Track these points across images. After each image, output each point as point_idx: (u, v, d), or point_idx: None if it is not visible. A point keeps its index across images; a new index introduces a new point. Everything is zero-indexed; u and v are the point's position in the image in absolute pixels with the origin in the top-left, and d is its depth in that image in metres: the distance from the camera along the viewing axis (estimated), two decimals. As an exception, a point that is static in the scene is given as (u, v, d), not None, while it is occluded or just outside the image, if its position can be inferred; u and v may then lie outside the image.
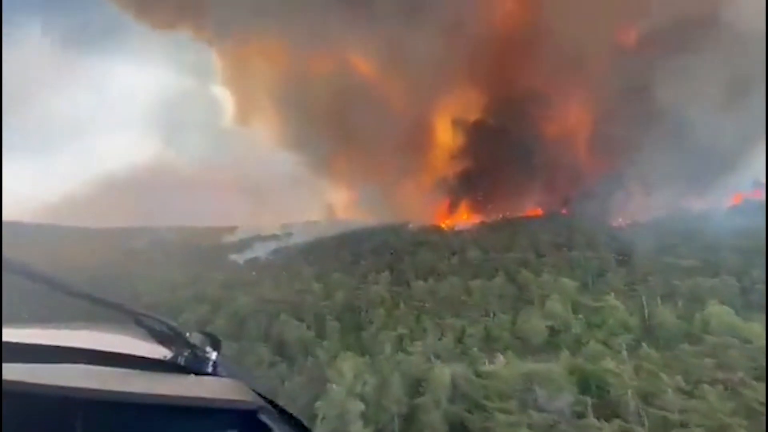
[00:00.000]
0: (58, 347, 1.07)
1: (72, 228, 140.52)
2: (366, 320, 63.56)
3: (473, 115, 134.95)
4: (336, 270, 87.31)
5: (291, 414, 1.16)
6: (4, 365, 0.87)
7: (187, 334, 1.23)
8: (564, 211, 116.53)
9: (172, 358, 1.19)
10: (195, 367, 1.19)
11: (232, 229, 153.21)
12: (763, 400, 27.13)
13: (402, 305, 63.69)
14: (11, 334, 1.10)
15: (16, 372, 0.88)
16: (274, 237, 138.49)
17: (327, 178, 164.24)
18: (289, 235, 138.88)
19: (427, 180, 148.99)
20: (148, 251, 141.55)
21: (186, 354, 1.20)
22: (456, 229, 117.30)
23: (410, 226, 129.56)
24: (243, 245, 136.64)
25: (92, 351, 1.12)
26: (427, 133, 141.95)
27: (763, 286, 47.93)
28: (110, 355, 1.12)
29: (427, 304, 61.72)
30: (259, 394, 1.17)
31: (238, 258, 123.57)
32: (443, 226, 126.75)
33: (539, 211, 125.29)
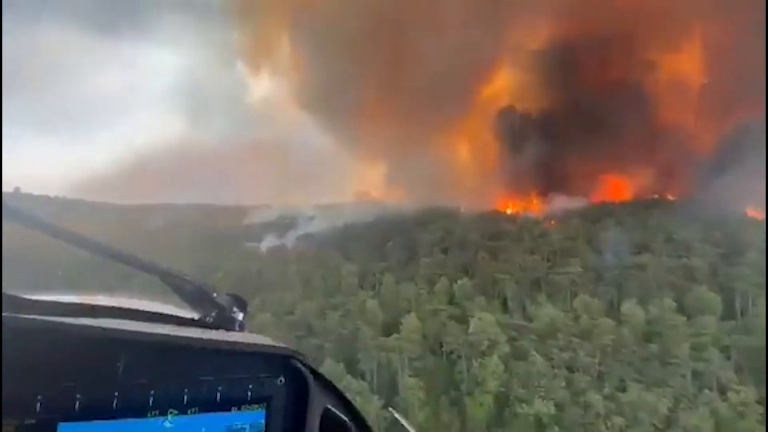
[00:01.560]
0: (90, 305, 1.08)
1: (94, 204, 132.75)
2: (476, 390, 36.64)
3: (546, 67, 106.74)
4: (387, 270, 64.66)
5: (317, 370, 1.20)
6: (42, 318, 0.89)
7: (214, 295, 1.22)
8: (670, 195, 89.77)
9: (201, 317, 1.20)
10: (223, 326, 1.20)
11: (256, 209, 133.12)
12: None
13: (527, 352, 38.08)
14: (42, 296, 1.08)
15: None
16: (302, 219, 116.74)
17: (360, 152, 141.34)
18: (320, 217, 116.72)
19: (483, 153, 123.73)
20: (164, 232, 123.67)
21: (214, 314, 1.21)
22: (528, 216, 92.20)
23: (462, 210, 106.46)
24: (266, 229, 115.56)
25: (124, 309, 1.14)
26: (485, 87, 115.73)
27: None
28: (142, 313, 1.15)
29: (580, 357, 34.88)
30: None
31: (260, 246, 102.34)
32: (508, 212, 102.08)
33: (626, 194, 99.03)
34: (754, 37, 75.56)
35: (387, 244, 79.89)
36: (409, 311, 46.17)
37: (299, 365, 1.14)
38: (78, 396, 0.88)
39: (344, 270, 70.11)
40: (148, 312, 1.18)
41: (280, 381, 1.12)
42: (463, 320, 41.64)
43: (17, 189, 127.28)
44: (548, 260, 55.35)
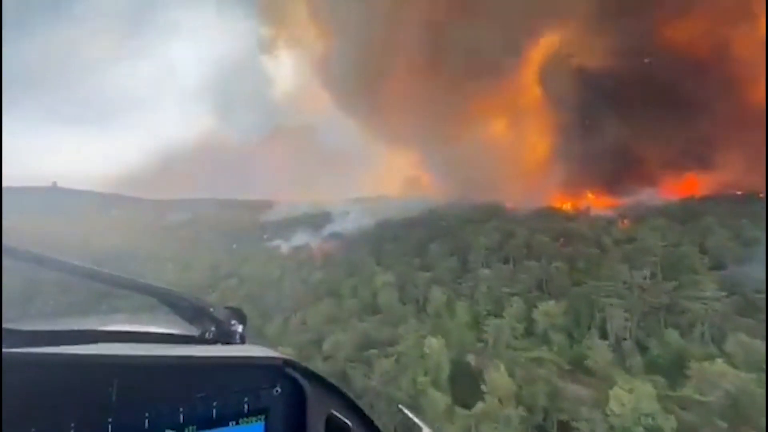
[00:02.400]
0: (85, 331, 1.08)
1: (122, 197, 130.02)
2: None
3: (608, 47, 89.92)
4: (434, 282, 51.40)
5: (316, 373, 1.19)
6: (34, 350, 0.90)
7: (211, 309, 1.23)
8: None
9: (201, 334, 1.21)
10: (223, 340, 1.21)
11: (281, 204, 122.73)
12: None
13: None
14: (37, 326, 1.10)
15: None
16: (331, 215, 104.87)
17: (393, 140, 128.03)
18: (350, 213, 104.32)
19: (533, 138, 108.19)
20: (185, 229, 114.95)
21: (213, 329, 1.22)
22: (592, 214, 76.88)
23: (508, 205, 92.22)
24: (290, 226, 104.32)
25: (120, 332, 1.15)
26: (536, 54, 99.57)
27: None
28: (138, 335, 1.16)
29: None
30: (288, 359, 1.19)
31: (283, 245, 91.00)
32: (564, 209, 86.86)
33: (709, 188, 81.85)
34: None
35: (429, 246, 66.69)
36: (483, 352, 32.62)
37: (295, 373, 1.12)
38: (72, 426, 0.88)
39: (379, 280, 57.32)
40: (146, 333, 1.19)
41: (277, 391, 1.11)
42: (578, 376, 27.67)
43: (54, 183, 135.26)
44: (653, 275, 40.92)
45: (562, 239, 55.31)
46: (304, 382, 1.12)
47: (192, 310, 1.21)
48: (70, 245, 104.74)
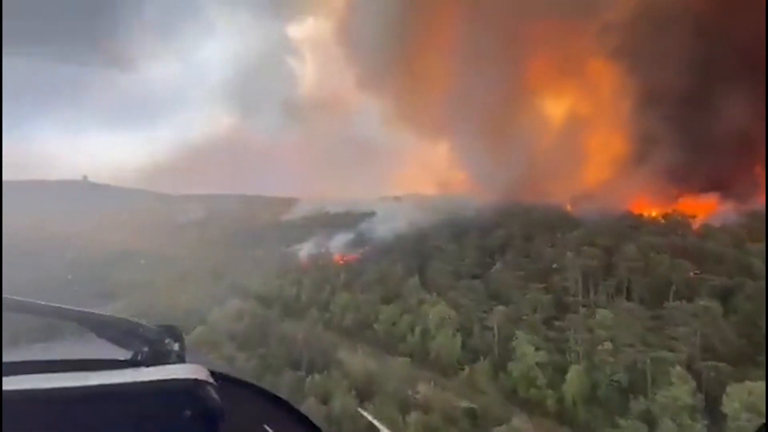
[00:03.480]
0: (27, 362, 1.06)
1: (143, 191, 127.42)
2: None
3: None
4: (515, 320, 35.10)
5: (255, 386, 1.15)
6: None
7: (141, 330, 1.17)
8: None
9: (133, 356, 1.15)
10: (157, 361, 1.15)
11: (303, 201, 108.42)
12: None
13: None
14: None
15: None
16: (357, 215, 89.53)
17: (428, 133, 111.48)
18: (378, 213, 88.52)
19: (597, 123, 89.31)
20: (201, 225, 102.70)
21: (145, 350, 1.16)
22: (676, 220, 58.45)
23: (569, 207, 75.49)
24: (312, 225, 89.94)
25: (41, 362, 1.09)
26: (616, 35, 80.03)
27: None
28: (63, 363, 1.10)
29: None
30: (221, 374, 1.16)
31: (302, 250, 76.03)
32: (659, 216, 68.44)
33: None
34: None
35: (490, 262, 50.37)
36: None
37: (209, 394, 1.06)
38: None
39: (429, 312, 41.29)
40: (69, 360, 1.12)
41: (186, 414, 1.04)
42: None
43: (85, 177, 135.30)
44: None
45: (692, 262, 37.95)
46: (214, 404, 1.05)
47: (120, 333, 1.14)
48: (77, 244, 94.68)
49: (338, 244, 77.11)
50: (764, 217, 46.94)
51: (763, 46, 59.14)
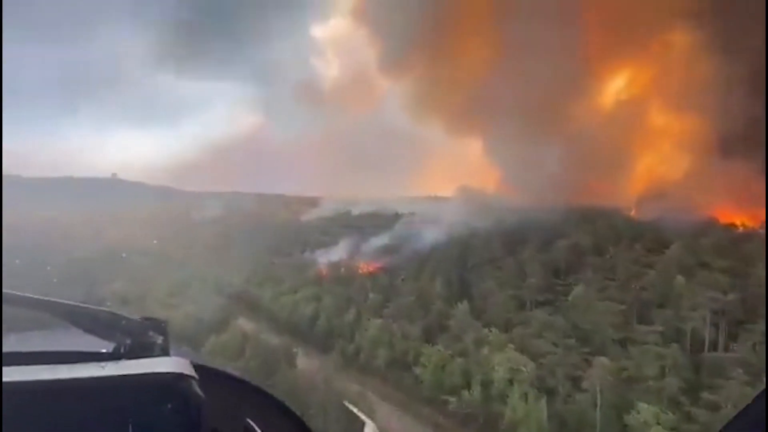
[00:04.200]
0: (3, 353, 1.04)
1: (167, 188, 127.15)
2: None
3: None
4: (641, 388, 23.43)
5: (237, 378, 1.13)
6: None
7: (123, 322, 1.16)
8: None
9: (115, 349, 1.13)
10: (140, 354, 1.13)
11: (324, 200, 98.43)
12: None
13: None
14: None
15: None
16: (384, 218, 78.47)
17: (460, 129, 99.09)
18: (409, 215, 77.12)
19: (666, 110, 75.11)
20: (216, 223, 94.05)
21: (128, 342, 1.14)
22: None
23: (632, 213, 63.63)
24: (333, 226, 79.87)
25: (20, 354, 1.07)
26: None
27: None
28: (42, 355, 1.08)
29: None
30: (204, 367, 1.15)
31: (322, 256, 65.40)
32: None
33: None
34: None
35: (558, 283, 38.50)
36: None
37: (190, 387, 1.05)
38: None
39: (484, 345, 29.86)
40: (52, 352, 1.09)
41: (168, 408, 1.03)
42: None
43: (114, 175, 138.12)
44: None
45: None
46: (196, 397, 1.04)
47: (102, 325, 1.13)
48: (84, 237, 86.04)
49: (364, 250, 66.30)
50: None
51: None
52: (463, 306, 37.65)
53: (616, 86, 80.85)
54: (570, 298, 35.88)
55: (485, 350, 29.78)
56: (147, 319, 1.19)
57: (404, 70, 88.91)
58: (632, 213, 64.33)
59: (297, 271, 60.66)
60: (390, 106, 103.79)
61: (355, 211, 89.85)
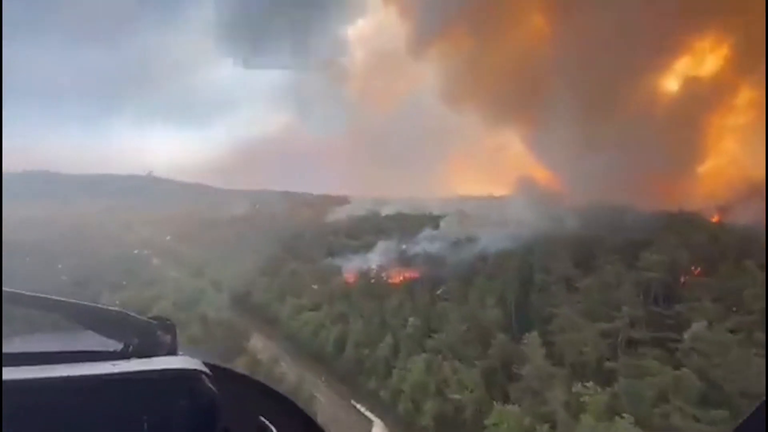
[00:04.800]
0: (6, 354, 1.03)
1: (200, 186, 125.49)
2: None
3: None
4: None
5: (246, 377, 1.14)
6: None
7: (132, 321, 1.16)
8: None
9: (123, 348, 1.13)
10: (148, 353, 1.12)
11: (355, 200, 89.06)
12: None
13: None
14: None
15: None
16: (414, 221, 69.07)
17: (501, 121, 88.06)
18: (441, 219, 67.51)
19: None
20: (238, 222, 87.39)
21: (136, 341, 1.14)
22: None
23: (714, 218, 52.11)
24: (359, 228, 71.61)
25: (30, 354, 1.07)
26: None
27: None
28: (50, 355, 1.08)
29: None
30: (215, 366, 1.14)
31: (347, 264, 56.66)
32: None
33: None
34: None
35: (668, 316, 28.41)
36: None
37: (204, 383, 1.04)
38: None
39: (583, 412, 20.39)
40: (57, 353, 1.09)
41: (182, 404, 1.02)
42: None
43: (150, 172, 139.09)
44: None
45: None
46: (209, 392, 1.03)
47: (108, 324, 1.11)
48: (109, 234, 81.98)
49: (396, 257, 57.27)
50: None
51: None
52: (533, 340, 28.17)
53: (685, 66, 68.15)
54: (687, 336, 25.86)
55: (584, 417, 20.31)
56: (154, 318, 1.17)
57: (439, 52, 78.74)
58: (714, 219, 52.98)
59: (320, 281, 52.30)
60: (422, 100, 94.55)
61: (386, 211, 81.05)
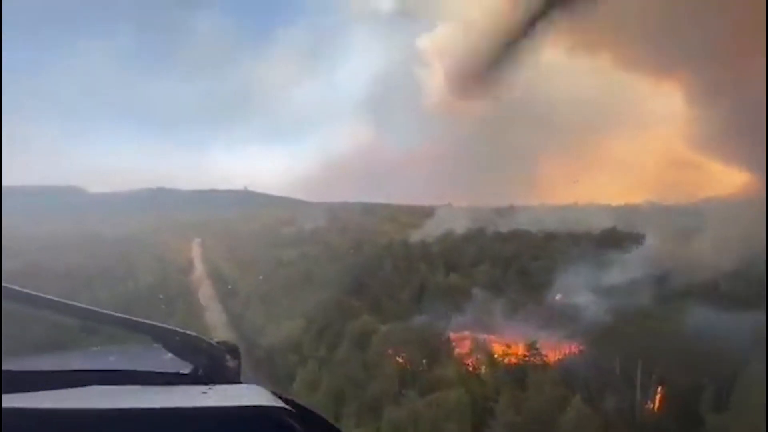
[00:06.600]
0: (64, 371, 1.02)
1: (289, 199, 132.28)
2: None
3: None
4: None
5: (314, 412, 1.08)
6: (11, 396, 0.83)
7: (204, 345, 1.16)
8: None
9: (193, 370, 1.12)
10: (216, 377, 1.12)
11: (438, 210, 73.70)
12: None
13: None
14: (18, 364, 1.06)
15: (20, 401, 0.83)
16: (554, 245, 43.65)
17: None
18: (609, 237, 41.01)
19: None
20: (311, 236, 72.63)
21: (205, 364, 1.14)
22: None
23: None
24: (468, 254, 48.06)
25: (105, 372, 1.08)
26: None
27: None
28: (125, 374, 1.09)
29: None
30: (280, 397, 1.08)
31: (454, 327, 32.57)
32: None
33: None
34: None
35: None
36: None
37: (292, 422, 0.98)
38: None
39: None
40: (131, 372, 1.11)
41: None
42: None
43: (245, 187, 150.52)
44: None
45: None
46: (297, 427, 0.99)
47: (183, 346, 1.12)
48: (171, 248, 75.75)
49: (540, 314, 32.42)
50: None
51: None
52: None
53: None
54: None
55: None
56: (223, 342, 1.18)
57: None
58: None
59: (406, 342, 29.42)
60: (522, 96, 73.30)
61: (498, 227, 56.25)
